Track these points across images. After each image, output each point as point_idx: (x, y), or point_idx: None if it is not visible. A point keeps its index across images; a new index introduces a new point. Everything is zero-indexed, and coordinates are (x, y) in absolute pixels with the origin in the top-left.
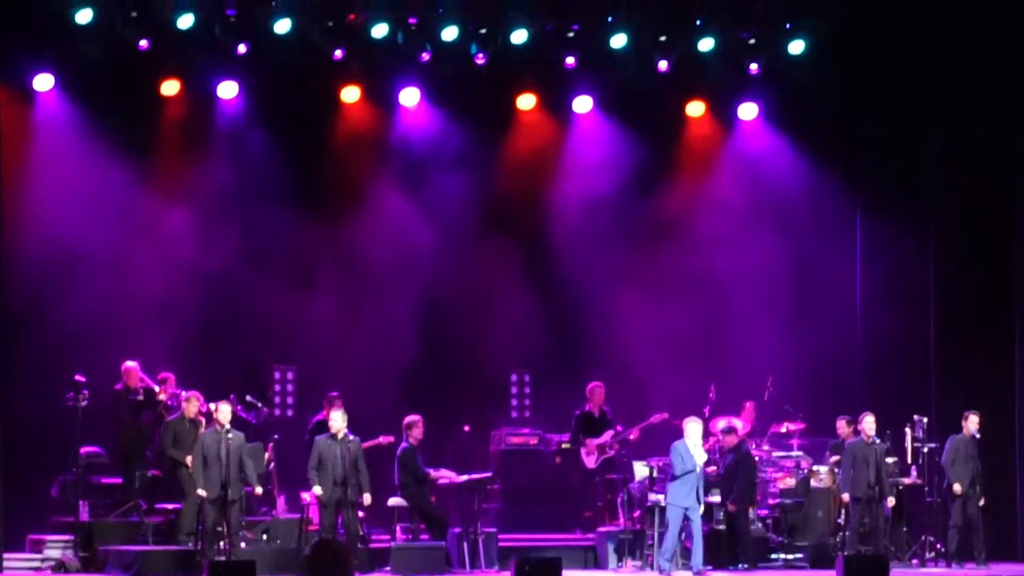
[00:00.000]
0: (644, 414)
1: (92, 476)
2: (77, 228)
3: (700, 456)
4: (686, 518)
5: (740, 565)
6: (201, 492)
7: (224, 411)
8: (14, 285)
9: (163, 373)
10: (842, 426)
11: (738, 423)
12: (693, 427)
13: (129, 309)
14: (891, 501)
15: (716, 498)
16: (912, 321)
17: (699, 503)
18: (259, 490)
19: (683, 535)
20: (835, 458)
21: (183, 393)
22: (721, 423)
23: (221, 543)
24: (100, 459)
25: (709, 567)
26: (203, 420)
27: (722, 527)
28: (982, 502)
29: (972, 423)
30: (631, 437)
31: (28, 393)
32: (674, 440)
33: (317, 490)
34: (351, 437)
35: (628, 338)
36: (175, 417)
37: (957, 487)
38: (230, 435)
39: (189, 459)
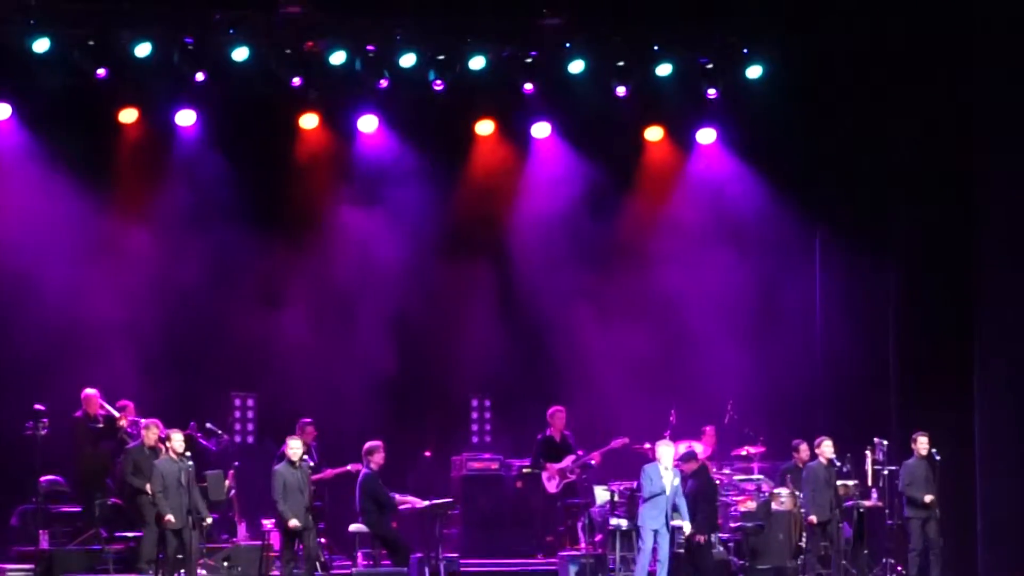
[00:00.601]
0: (605, 439)
1: (52, 505)
2: (35, 255)
3: (669, 479)
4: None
5: None
6: (170, 518)
7: (176, 439)
8: None
9: (122, 401)
10: (803, 449)
11: (698, 447)
12: (664, 450)
13: (87, 336)
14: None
15: (678, 522)
16: (872, 345)
17: (667, 526)
18: (208, 520)
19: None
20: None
21: (142, 421)
22: (681, 448)
23: (181, 572)
24: (60, 488)
25: None
26: (163, 448)
27: (682, 551)
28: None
29: (922, 444)
30: (592, 462)
31: None
32: (638, 464)
33: (295, 522)
34: (306, 463)
35: (589, 362)
36: (135, 445)
37: (928, 497)
38: (191, 464)
39: (148, 487)
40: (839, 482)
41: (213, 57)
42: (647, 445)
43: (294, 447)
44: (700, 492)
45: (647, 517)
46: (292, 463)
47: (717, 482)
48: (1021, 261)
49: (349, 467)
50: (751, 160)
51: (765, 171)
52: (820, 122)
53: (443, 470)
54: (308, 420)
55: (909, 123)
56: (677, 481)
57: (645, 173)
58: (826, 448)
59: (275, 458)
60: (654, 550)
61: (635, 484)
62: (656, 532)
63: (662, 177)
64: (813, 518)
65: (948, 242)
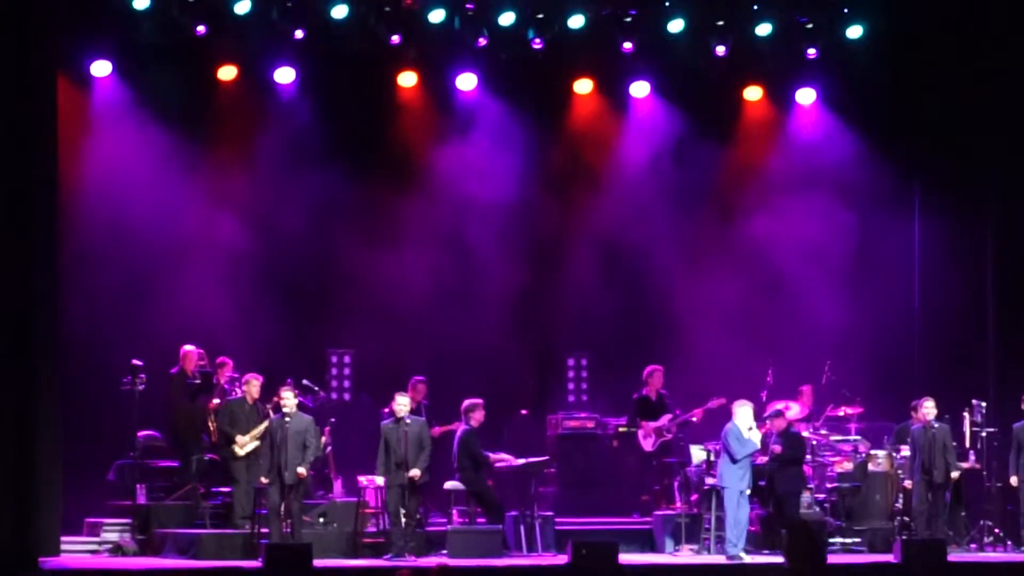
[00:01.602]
0: (702, 399)
1: (149, 460)
2: (133, 210)
3: (756, 437)
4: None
5: None
6: (264, 479)
7: (287, 398)
8: (74, 268)
9: (221, 358)
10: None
11: (795, 407)
12: (744, 410)
13: (186, 291)
14: (955, 474)
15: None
16: (971, 306)
17: (748, 487)
18: (302, 471)
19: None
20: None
21: (244, 376)
22: (778, 406)
23: (282, 527)
24: (157, 443)
25: (748, 548)
26: (262, 405)
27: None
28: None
29: None
30: (694, 419)
31: (85, 376)
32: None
33: (379, 480)
34: (410, 420)
35: (687, 321)
36: (236, 398)
37: (1014, 480)
38: (288, 420)
39: (239, 439)
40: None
41: (312, 14)
42: None
43: (401, 403)
44: (788, 450)
45: (733, 478)
46: (397, 419)
47: (814, 442)
48: None
49: (454, 426)
50: (850, 119)
51: (864, 129)
52: (920, 81)
53: (539, 428)
54: (421, 378)
55: (1009, 78)
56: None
57: (743, 132)
58: (927, 409)
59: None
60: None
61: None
62: (740, 493)
63: (760, 135)
64: (907, 483)
65: None
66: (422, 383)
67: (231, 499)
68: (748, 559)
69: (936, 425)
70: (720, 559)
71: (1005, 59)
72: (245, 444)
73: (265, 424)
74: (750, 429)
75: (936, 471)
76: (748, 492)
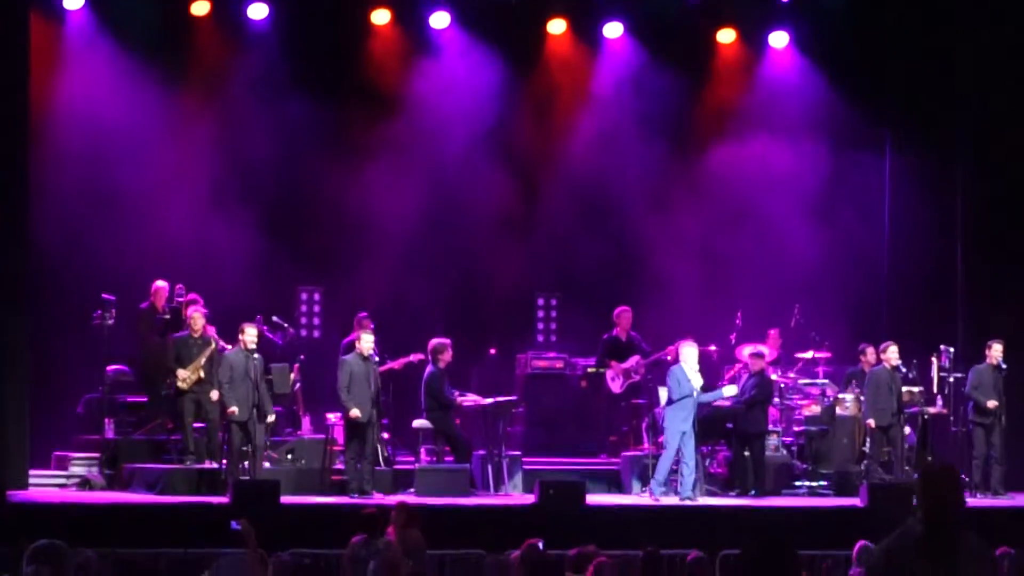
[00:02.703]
0: (671, 339)
1: (118, 395)
2: (105, 147)
3: (697, 380)
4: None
5: (751, 492)
6: (233, 409)
7: (250, 333)
8: (44, 201)
9: (190, 294)
10: (869, 353)
11: (764, 350)
12: (689, 351)
13: (158, 228)
14: (907, 430)
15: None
16: (939, 251)
17: (693, 428)
18: (271, 418)
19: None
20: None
21: (186, 311)
22: (747, 349)
23: (245, 463)
24: (126, 377)
25: (698, 494)
26: (207, 335)
27: (746, 454)
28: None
29: (996, 351)
30: (668, 357)
31: (54, 311)
32: (703, 365)
33: (355, 412)
34: (375, 358)
35: (657, 262)
36: (181, 335)
37: (992, 403)
38: (256, 357)
39: (181, 373)
40: (904, 388)
41: None
42: (712, 347)
43: (367, 340)
44: (759, 392)
45: (676, 419)
46: (362, 356)
47: (783, 385)
48: None
49: (411, 357)
50: (823, 62)
51: (836, 73)
52: (893, 27)
53: (507, 368)
54: (364, 314)
55: (985, 29)
56: (701, 381)
57: (716, 73)
58: (891, 353)
59: (341, 349)
60: (678, 451)
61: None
62: (683, 434)
63: (733, 77)
64: (871, 422)
65: (1021, 150)
66: (366, 319)
67: (201, 434)
68: (701, 500)
69: (902, 371)
70: (687, 501)
71: (980, 8)
72: (187, 378)
73: (208, 352)
74: (692, 370)
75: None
76: (692, 431)
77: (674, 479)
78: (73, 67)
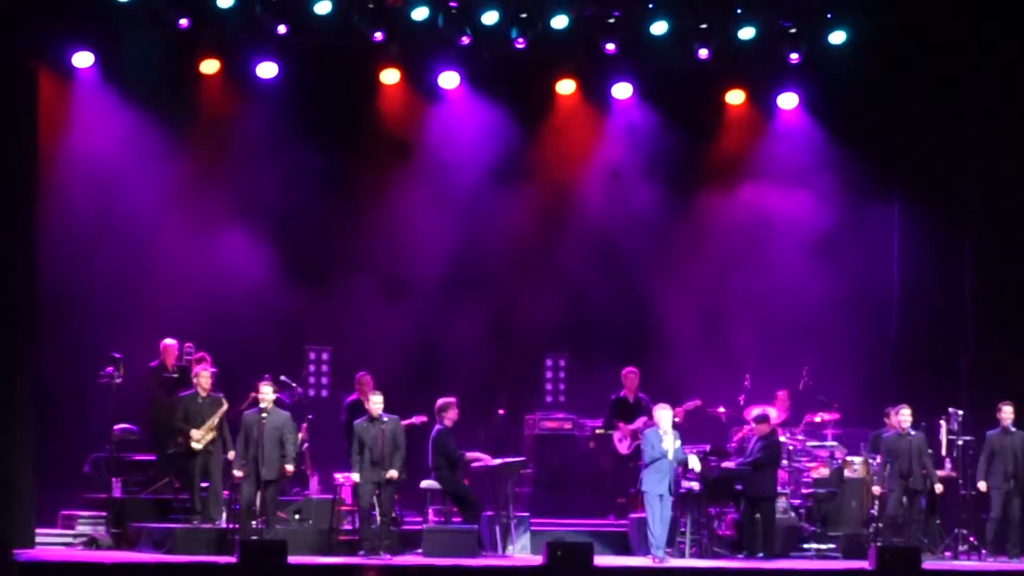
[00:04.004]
0: (679, 400)
1: (125, 453)
2: (113, 206)
3: (669, 443)
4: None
5: (759, 555)
6: (237, 473)
7: (264, 391)
8: (54, 259)
9: (198, 353)
10: (894, 416)
11: (772, 412)
12: (662, 414)
13: (164, 288)
14: (939, 488)
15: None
16: (948, 315)
17: (670, 491)
18: (290, 468)
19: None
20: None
21: (194, 369)
22: (755, 411)
23: (254, 523)
24: (133, 436)
25: (670, 551)
26: (215, 395)
27: (756, 516)
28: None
29: (1007, 414)
30: (676, 419)
31: (62, 369)
32: (711, 427)
33: (355, 477)
34: (386, 418)
35: (665, 324)
36: (189, 393)
37: (982, 485)
38: (265, 415)
39: (195, 433)
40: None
41: (295, 9)
42: (720, 409)
43: (375, 402)
44: (767, 456)
45: (651, 482)
46: (371, 418)
47: (791, 448)
48: None
49: (414, 419)
50: (832, 123)
51: (845, 134)
52: (903, 90)
53: (516, 428)
54: (363, 373)
55: (995, 94)
56: (679, 444)
57: (725, 134)
58: (903, 416)
59: (343, 409)
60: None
61: (707, 447)
62: (660, 497)
63: (742, 137)
64: (876, 488)
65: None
66: (367, 376)
67: (207, 493)
68: (672, 561)
69: (912, 432)
70: (696, 563)
71: (983, 62)
72: (201, 438)
73: (221, 411)
74: (665, 433)
75: (913, 478)
76: (668, 494)
77: (682, 541)
78: (82, 123)
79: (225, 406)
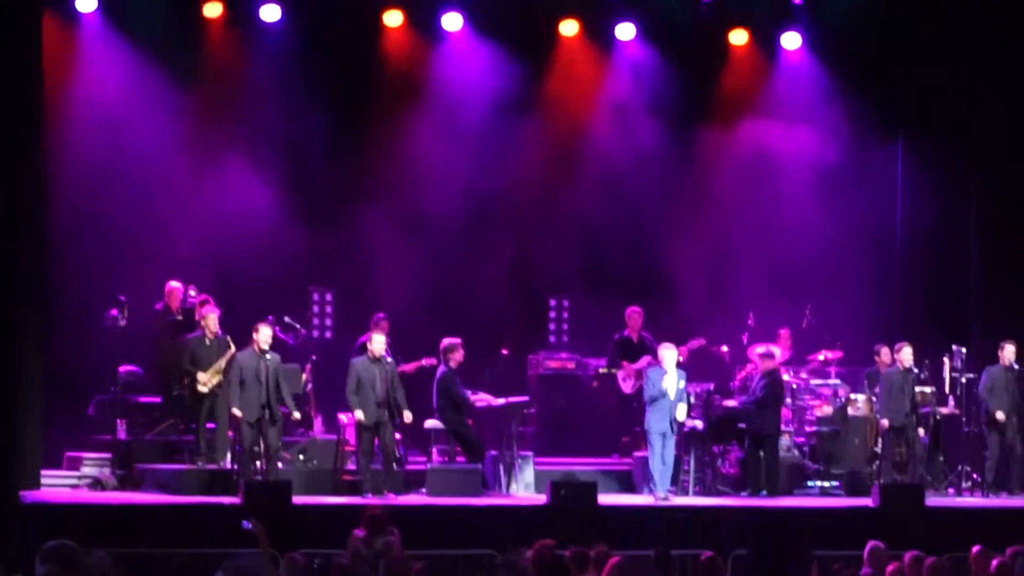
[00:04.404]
0: (683, 339)
1: (130, 395)
2: (119, 150)
3: (671, 383)
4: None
5: (763, 492)
6: (236, 412)
7: (264, 333)
8: (59, 203)
9: (202, 295)
10: (884, 353)
11: (776, 351)
12: (666, 354)
13: (170, 231)
14: (920, 431)
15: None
16: (953, 252)
17: (672, 430)
18: (296, 415)
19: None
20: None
21: (199, 311)
22: (759, 349)
23: (258, 463)
24: (138, 378)
25: (673, 489)
26: (223, 337)
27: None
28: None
29: (1009, 352)
30: (680, 359)
31: (68, 312)
32: (714, 366)
33: (359, 415)
34: (388, 359)
35: (669, 264)
36: (196, 335)
37: (1000, 415)
38: (268, 356)
39: (202, 376)
40: (916, 388)
41: None
42: (724, 348)
43: (378, 342)
44: (770, 394)
45: (652, 421)
46: (373, 358)
47: (794, 386)
48: None
49: (423, 361)
50: (836, 63)
51: (849, 73)
52: (907, 28)
53: (519, 369)
54: (382, 315)
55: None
56: (682, 384)
57: (729, 75)
58: (905, 355)
59: (354, 350)
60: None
61: (710, 386)
62: (663, 436)
63: (746, 79)
64: (885, 422)
65: None
66: (384, 320)
67: (212, 435)
68: (675, 499)
69: (915, 371)
70: (699, 501)
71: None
72: (207, 381)
73: (229, 355)
74: (668, 373)
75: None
76: (670, 432)
77: (685, 479)
78: (87, 68)
79: (232, 349)
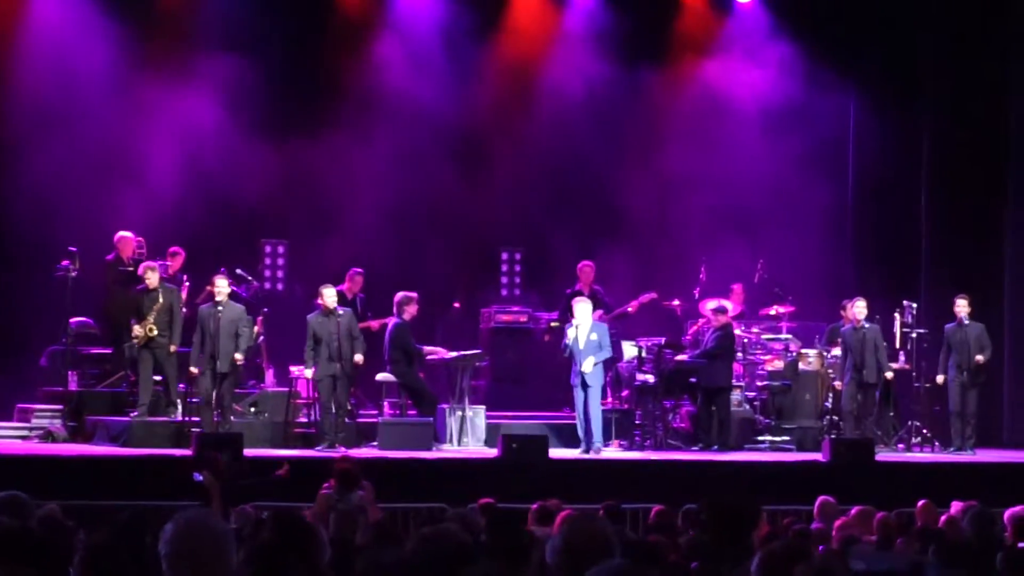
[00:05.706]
0: (635, 293)
1: (81, 347)
2: (73, 98)
3: (582, 335)
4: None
5: (715, 447)
6: (193, 369)
7: (220, 284)
8: (9, 154)
9: (173, 247)
10: (850, 308)
11: (728, 305)
12: (578, 307)
13: (120, 181)
14: (888, 375)
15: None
16: (904, 207)
17: (584, 383)
18: (239, 357)
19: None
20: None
21: (146, 263)
22: (711, 303)
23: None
24: (90, 329)
25: (602, 444)
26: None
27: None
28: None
29: (960, 307)
30: (630, 309)
31: (18, 263)
32: (666, 320)
33: (308, 373)
34: (341, 311)
35: (622, 217)
36: (141, 288)
37: (939, 378)
38: (221, 308)
39: (136, 329)
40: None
41: None
42: (676, 302)
43: (328, 295)
44: (721, 345)
45: (571, 375)
46: (326, 311)
47: (746, 340)
48: None
49: (388, 320)
50: (788, 18)
51: (802, 30)
52: None
53: (472, 322)
54: (358, 270)
55: None
56: (595, 336)
57: (680, 20)
58: (858, 309)
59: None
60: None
61: (662, 340)
62: (577, 389)
63: (697, 23)
64: (838, 383)
65: (982, 107)
66: (359, 275)
67: (163, 387)
68: (624, 454)
69: (867, 325)
70: (650, 455)
71: None
72: (141, 333)
73: (157, 306)
74: (577, 326)
75: (867, 371)
76: (581, 386)
77: (637, 433)
78: (39, 18)
79: (161, 300)
